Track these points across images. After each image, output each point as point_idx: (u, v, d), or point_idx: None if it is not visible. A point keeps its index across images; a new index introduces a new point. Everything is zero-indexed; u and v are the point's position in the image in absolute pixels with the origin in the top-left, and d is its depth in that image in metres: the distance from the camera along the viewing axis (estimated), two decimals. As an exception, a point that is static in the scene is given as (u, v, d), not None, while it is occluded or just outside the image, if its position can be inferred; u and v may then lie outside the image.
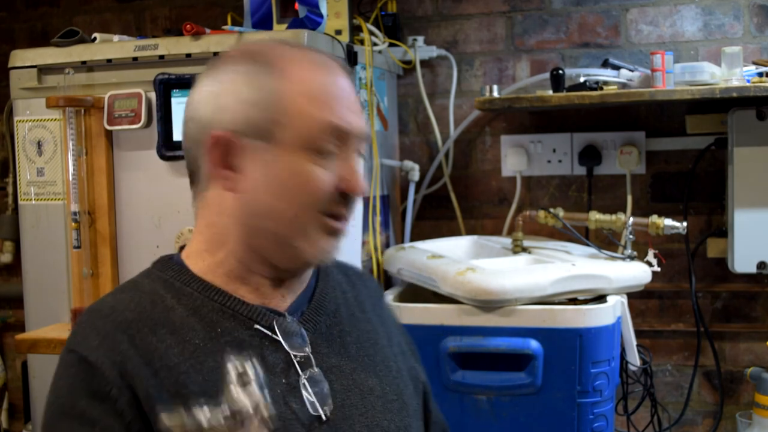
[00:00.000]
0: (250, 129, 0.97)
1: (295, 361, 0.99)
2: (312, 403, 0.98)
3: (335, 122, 0.98)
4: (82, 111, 1.75)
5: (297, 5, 1.83)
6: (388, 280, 2.10)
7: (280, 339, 0.99)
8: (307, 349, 1.01)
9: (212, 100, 0.99)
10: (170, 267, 1.04)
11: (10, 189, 2.55)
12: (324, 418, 0.98)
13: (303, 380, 0.99)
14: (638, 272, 1.85)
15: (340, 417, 1.00)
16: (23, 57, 1.83)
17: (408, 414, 1.09)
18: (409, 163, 2.30)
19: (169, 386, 0.93)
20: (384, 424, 1.03)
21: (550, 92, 2.06)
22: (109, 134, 1.78)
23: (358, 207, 1.89)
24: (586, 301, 1.76)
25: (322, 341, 1.04)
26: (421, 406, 1.16)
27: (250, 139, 0.97)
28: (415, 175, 2.30)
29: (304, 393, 0.98)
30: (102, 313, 0.99)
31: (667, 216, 1.93)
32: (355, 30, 2.06)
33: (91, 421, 0.92)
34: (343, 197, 1.00)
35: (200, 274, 1.02)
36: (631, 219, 1.92)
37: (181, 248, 1.08)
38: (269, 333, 0.99)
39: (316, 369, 1.01)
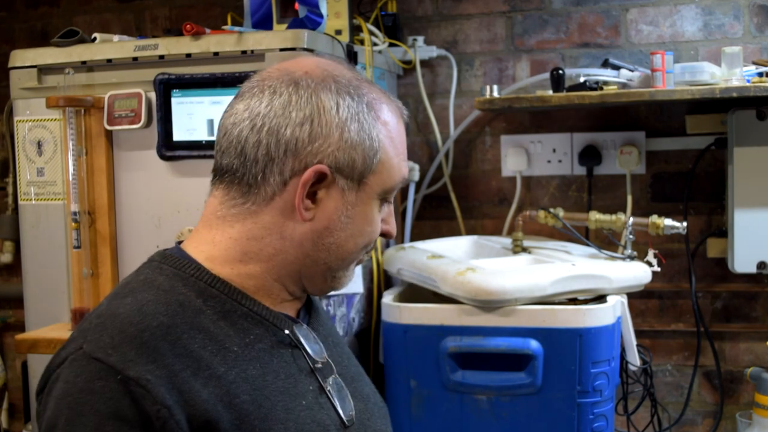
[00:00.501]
0: (348, 170, 0.97)
1: (315, 367, 1.00)
2: (341, 409, 0.99)
3: (406, 177, 1.03)
4: (82, 111, 1.75)
5: (297, 5, 1.83)
6: (388, 280, 2.10)
7: (304, 345, 1.00)
8: (326, 355, 1.02)
9: (307, 124, 0.95)
10: (185, 264, 0.98)
11: (10, 189, 2.55)
12: (348, 423, 0.99)
13: (329, 386, 0.99)
14: (638, 272, 1.85)
15: (358, 422, 1.01)
16: (23, 57, 1.83)
17: (389, 419, 1.13)
18: (409, 163, 2.30)
19: (222, 397, 0.88)
20: (383, 429, 1.06)
21: (550, 92, 2.06)
22: (109, 134, 1.78)
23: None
24: (586, 301, 1.76)
25: (326, 349, 1.05)
26: None
27: (344, 179, 0.97)
28: (415, 175, 2.30)
29: (334, 397, 0.99)
30: (131, 319, 0.90)
31: (667, 216, 1.93)
32: (355, 30, 2.06)
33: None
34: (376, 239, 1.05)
35: (223, 278, 0.98)
36: (631, 219, 1.92)
37: (179, 242, 1.05)
38: (294, 339, 1.00)
39: (337, 375, 1.02)
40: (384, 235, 1.04)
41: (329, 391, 0.99)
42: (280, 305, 1.02)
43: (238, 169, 0.98)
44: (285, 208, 0.97)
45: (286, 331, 0.98)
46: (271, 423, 0.91)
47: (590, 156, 2.24)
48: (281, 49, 1.66)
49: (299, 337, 1.00)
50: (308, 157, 0.95)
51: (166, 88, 1.71)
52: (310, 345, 1.01)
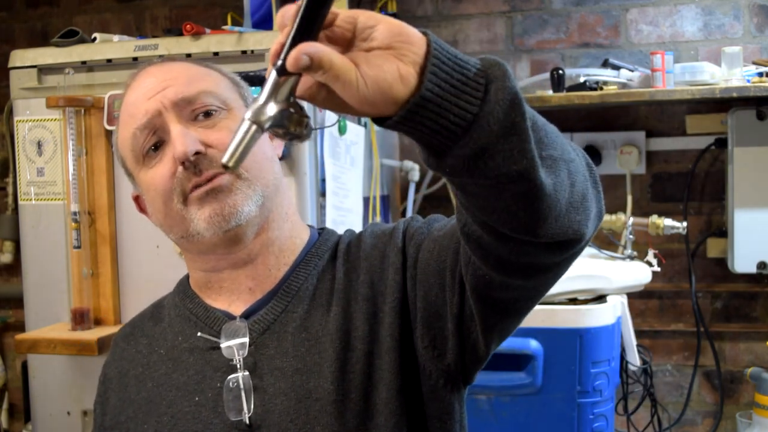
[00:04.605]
0: (128, 179, 1.08)
1: (229, 365, 0.98)
2: (232, 409, 0.96)
3: (134, 128, 1.00)
4: (82, 111, 1.75)
5: (297, 5, 1.83)
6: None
7: (220, 343, 0.99)
8: (243, 353, 0.98)
9: None
10: (183, 281, 1.12)
11: (10, 189, 2.55)
12: (247, 422, 0.95)
13: (230, 385, 0.97)
14: (638, 272, 1.85)
15: (267, 422, 0.95)
16: (23, 57, 1.83)
17: (359, 413, 0.96)
18: (409, 163, 2.30)
19: (127, 395, 1.04)
20: (317, 429, 0.94)
21: (550, 92, 2.06)
22: (109, 134, 1.77)
23: (358, 206, 1.89)
24: (586, 301, 1.77)
25: (271, 341, 0.99)
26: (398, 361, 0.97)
27: (127, 177, 1.08)
28: (415, 175, 2.29)
29: (226, 397, 0.96)
30: (122, 328, 1.15)
31: (667, 216, 1.93)
32: (355, 30, 2.05)
33: (93, 425, 1.11)
34: (187, 167, 0.96)
35: (191, 285, 1.09)
36: (631, 219, 1.92)
37: None
38: (212, 338, 1.00)
39: (244, 373, 0.97)
40: (179, 162, 0.96)
41: (228, 389, 0.96)
42: (222, 297, 1.04)
43: None
44: None
45: (199, 333, 1.01)
46: (150, 416, 1.00)
47: (590, 156, 2.22)
48: (281, 49, 1.65)
49: (222, 335, 1.00)
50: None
51: (166, 88, 1.71)
52: (231, 342, 0.99)
